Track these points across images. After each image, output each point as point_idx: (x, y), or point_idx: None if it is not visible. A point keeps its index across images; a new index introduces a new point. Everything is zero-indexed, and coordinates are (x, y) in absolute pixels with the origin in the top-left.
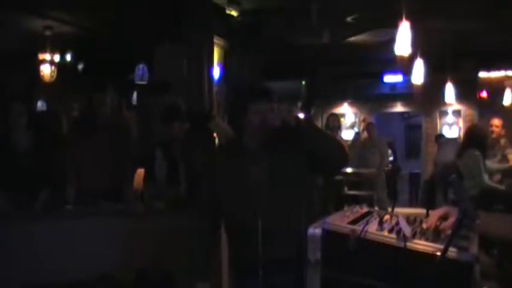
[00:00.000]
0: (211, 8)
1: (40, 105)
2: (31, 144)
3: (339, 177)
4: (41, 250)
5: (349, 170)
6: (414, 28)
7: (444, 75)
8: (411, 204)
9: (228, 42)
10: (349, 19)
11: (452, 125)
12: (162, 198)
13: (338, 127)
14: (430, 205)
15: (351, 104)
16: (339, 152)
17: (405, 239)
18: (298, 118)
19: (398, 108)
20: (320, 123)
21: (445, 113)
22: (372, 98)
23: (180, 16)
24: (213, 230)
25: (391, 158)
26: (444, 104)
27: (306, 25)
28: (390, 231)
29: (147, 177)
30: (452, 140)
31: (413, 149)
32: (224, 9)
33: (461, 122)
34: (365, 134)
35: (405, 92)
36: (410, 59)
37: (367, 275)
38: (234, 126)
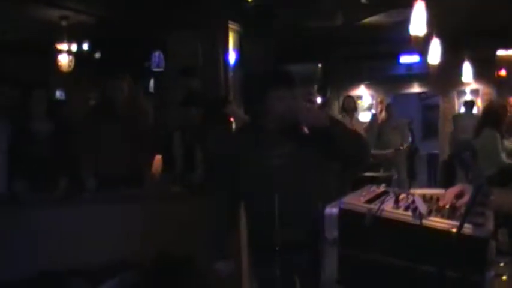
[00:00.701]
0: None
1: (59, 94)
2: (51, 131)
3: None
4: (61, 235)
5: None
6: (430, 7)
7: (461, 54)
8: (429, 184)
9: (242, 27)
10: (363, 0)
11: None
12: (179, 182)
13: (354, 109)
14: (448, 185)
15: (368, 85)
16: (363, 150)
17: (421, 216)
18: (331, 118)
19: (415, 88)
20: (336, 105)
21: (463, 93)
22: (388, 79)
23: (193, 1)
24: (232, 210)
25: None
26: (462, 83)
27: (319, 8)
28: (406, 209)
29: (165, 161)
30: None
31: (430, 130)
32: None
33: (479, 101)
34: (383, 115)
35: (422, 72)
36: (426, 39)
37: (384, 252)
38: (251, 111)
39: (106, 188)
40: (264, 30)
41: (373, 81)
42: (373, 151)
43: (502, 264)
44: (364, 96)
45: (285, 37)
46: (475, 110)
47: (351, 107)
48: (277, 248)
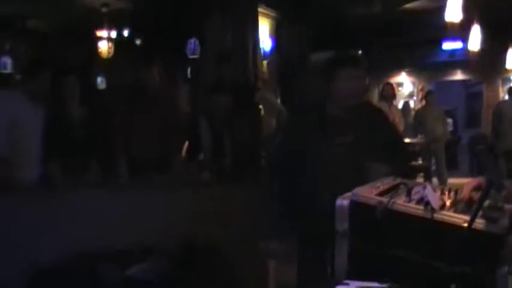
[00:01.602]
0: None
1: (100, 80)
2: (85, 116)
3: None
4: (92, 219)
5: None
6: None
7: (506, 40)
8: (472, 174)
9: (279, 13)
10: None
11: None
12: (208, 169)
13: (393, 96)
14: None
15: (409, 73)
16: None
17: (432, 210)
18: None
19: (458, 76)
20: (376, 93)
21: (508, 80)
22: (430, 66)
23: None
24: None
25: (450, 128)
26: (507, 70)
27: None
28: (418, 202)
29: (194, 148)
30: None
31: (474, 118)
32: None
33: None
34: (423, 103)
35: (465, 59)
36: (468, 25)
37: (395, 245)
38: (287, 97)
39: (137, 173)
40: (301, 17)
41: (414, 68)
42: (411, 139)
43: None
44: (405, 83)
45: (324, 24)
46: None
47: (389, 94)
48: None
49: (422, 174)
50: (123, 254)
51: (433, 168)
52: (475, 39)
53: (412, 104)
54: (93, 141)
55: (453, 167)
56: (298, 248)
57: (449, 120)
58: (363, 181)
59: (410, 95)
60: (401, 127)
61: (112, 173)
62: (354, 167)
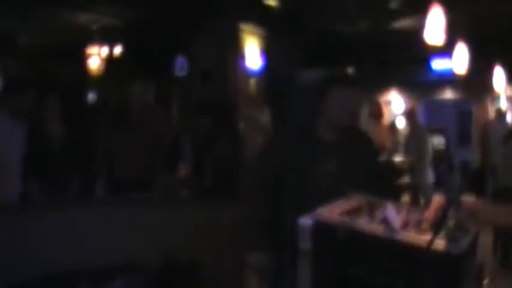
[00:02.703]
0: None
1: (89, 98)
2: (65, 135)
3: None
4: (71, 237)
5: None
6: (456, 12)
7: (494, 59)
8: (461, 191)
9: (268, 31)
10: (392, 5)
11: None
12: (188, 187)
13: (381, 115)
14: (479, 194)
15: (399, 91)
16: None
17: (392, 230)
18: None
19: (448, 94)
20: (367, 111)
21: (498, 99)
22: (420, 84)
23: (210, 6)
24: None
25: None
26: (495, 90)
27: (343, 12)
28: (380, 222)
29: (174, 164)
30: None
31: (465, 137)
32: None
33: None
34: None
35: (454, 78)
36: (453, 44)
37: (357, 265)
38: (277, 117)
39: (118, 190)
40: (290, 35)
41: (404, 87)
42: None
43: (485, 282)
44: (395, 101)
45: (313, 41)
46: (509, 118)
47: (377, 112)
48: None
49: (408, 192)
50: (103, 272)
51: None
52: (461, 59)
53: (401, 122)
54: (73, 159)
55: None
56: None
57: (441, 138)
58: None
59: (400, 113)
60: (389, 145)
61: (92, 191)
62: (333, 196)
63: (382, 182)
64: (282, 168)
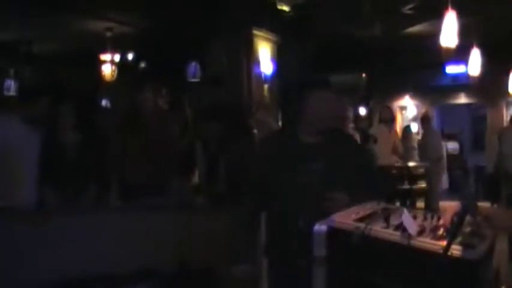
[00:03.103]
0: (251, 3)
1: (104, 103)
2: (78, 141)
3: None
4: (85, 243)
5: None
6: (471, 16)
7: (508, 64)
8: (476, 197)
9: (280, 37)
10: (405, 10)
11: None
12: (202, 193)
13: (391, 120)
14: (493, 198)
15: (412, 96)
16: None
17: (409, 236)
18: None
19: (462, 99)
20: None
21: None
22: (433, 89)
23: (222, 12)
24: (256, 215)
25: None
26: (510, 94)
27: (356, 17)
28: (396, 228)
29: (187, 171)
30: None
31: (479, 142)
32: (275, 4)
33: None
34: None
35: (468, 83)
36: (470, 49)
37: (372, 272)
38: (288, 121)
39: (131, 197)
40: (303, 41)
41: (418, 92)
42: (403, 164)
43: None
44: (409, 106)
45: (327, 47)
46: None
47: (388, 117)
48: (294, 263)
49: (420, 198)
50: (118, 277)
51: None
52: (475, 63)
53: (415, 127)
54: (88, 166)
55: (456, 191)
56: (269, 272)
57: (455, 144)
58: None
59: (414, 119)
60: (400, 150)
61: (106, 197)
62: (323, 196)
63: (369, 185)
64: (266, 171)
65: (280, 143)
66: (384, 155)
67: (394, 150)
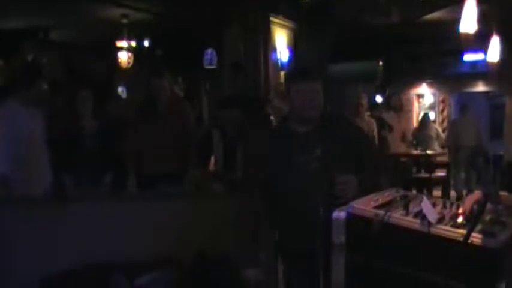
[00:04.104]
0: None
1: (120, 90)
2: (97, 129)
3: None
4: (102, 230)
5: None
6: (490, 4)
7: None
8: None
9: (297, 24)
10: None
11: None
12: (220, 181)
13: (401, 107)
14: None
15: (430, 84)
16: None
17: (429, 224)
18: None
19: (480, 87)
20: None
21: None
22: (451, 77)
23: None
24: (263, 213)
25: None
26: None
27: (374, 4)
28: (415, 216)
29: (205, 159)
30: None
31: (498, 130)
32: None
33: None
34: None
35: (486, 71)
36: (488, 36)
37: (391, 259)
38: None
39: (149, 185)
40: (320, 28)
41: (435, 80)
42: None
43: None
44: (426, 94)
45: (343, 34)
46: None
47: (397, 105)
48: (301, 255)
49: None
50: (135, 265)
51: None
52: (494, 51)
53: (433, 115)
54: (105, 153)
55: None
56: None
57: None
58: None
59: (431, 107)
60: (409, 138)
61: (124, 185)
62: (325, 180)
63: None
64: (266, 162)
65: (275, 137)
66: (393, 143)
67: (404, 139)
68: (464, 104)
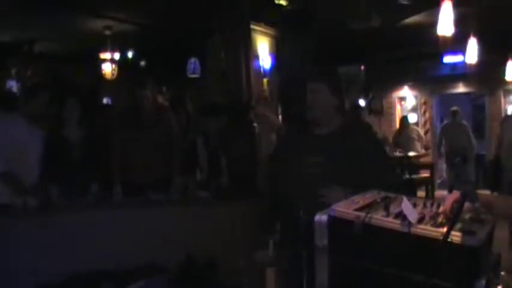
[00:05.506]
0: None
1: (105, 101)
2: (83, 138)
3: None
4: (90, 239)
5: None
6: (468, 6)
7: (506, 52)
8: (477, 186)
9: (279, 31)
10: (402, 0)
11: None
12: (205, 187)
13: (381, 111)
14: (494, 186)
15: (411, 86)
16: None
17: (409, 224)
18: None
19: (460, 88)
20: (380, 107)
21: (510, 92)
22: (432, 79)
23: (221, 7)
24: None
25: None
26: (508, 82)
27: (354, 9)
28: (396, 216)
29: (190, 167)
30: None
31: (480, 130)
32: None
33: None
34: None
35: (466, 72)
36: (467, 38)
37: (373, 260)
38: (288, 115)
39: (135, 192)
40: (302, 34)
41: (417, 82)
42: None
43: (502, 273)
44: (408, 97)
45: (325, 39)
46: None
47: (378, 108)
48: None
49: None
50: (123, 272)
51: (438, 181)
52: (472, 52)
53: (415, 117)
54: (91, 162)
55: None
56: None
57: None
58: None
59: (414, 109)
60: (389, 141)
61: (110, 193)
62: (323, 187)
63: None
64: (281, 164)
65: (290, 138)
66: None
67: (385, 142)
68: (454, 108)
